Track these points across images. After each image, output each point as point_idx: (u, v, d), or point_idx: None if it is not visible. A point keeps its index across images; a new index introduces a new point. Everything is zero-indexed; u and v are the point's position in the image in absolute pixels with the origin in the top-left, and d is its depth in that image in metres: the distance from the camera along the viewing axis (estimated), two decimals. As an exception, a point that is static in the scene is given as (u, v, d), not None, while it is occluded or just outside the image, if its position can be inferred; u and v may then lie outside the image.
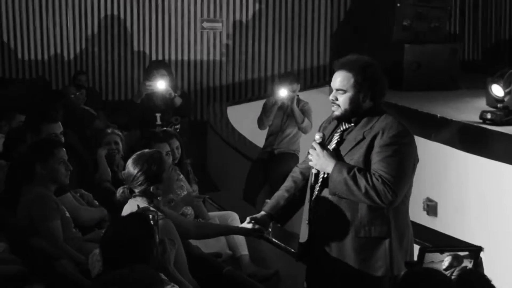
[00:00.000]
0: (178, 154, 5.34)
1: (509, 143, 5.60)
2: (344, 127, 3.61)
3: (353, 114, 3.55)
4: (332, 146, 3.58)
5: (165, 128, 5.69)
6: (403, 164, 3.46)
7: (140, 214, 3.01)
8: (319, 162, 3.52)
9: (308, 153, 3.80)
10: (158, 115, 6.53)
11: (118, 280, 1.87)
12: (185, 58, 9.61)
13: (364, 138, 3.49)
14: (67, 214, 4.10)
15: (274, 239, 5.04)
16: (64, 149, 4.21)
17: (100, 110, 7.90)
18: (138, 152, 3.56)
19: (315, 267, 3.72)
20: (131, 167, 3.49)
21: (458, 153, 6.16)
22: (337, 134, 3.62)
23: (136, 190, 3.48)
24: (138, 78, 9.63)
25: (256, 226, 3.74)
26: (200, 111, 9.56)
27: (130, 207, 3.40)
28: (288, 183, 3.86)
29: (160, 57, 9.61)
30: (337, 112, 3.56)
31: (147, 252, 2.84)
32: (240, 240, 4.94)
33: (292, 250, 4.83)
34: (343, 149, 3.54)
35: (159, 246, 2.94)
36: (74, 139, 5.93)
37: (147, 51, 9.62)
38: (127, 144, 5.78)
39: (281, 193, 3.84)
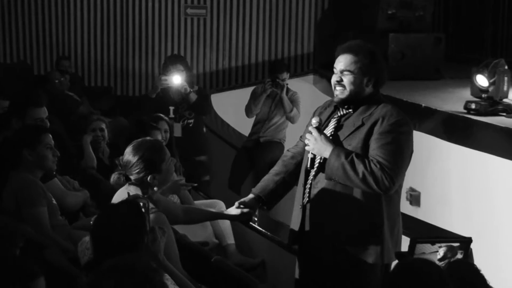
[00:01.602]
0: (167, 137, 5.33)
1: (493, 133, 5.62)
2: (341, 113, 3.61)
3: (354, 98, 3.55)
4: (329, 131, 3.58)
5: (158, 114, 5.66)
6: (401, 152, 3.46)
7: (131, 201, 2.99)
8: (316, 146, 3.51)
9: (300, 137, 3.80)
10: (171, 108, 6.47)
11: (115, 269, 1.85)
12: (169, 44, 9.55)
13: (363, 124, 3.50)
14: (54, 201, 4.06)
15: (260, 228, 5.05)
16: (50, 135, 4.17)
17: (84, 96, 7.83)
18: (139, 140, 3.51)
19: (307, 253, 3.72)
20: (131, 154, 3.43)
21: (442, 143, 6.18)
22: (334, 119, 3.61)
23: (133, 178, 3.44)
24: (121, 64, 9.57)
25: (245, 210, 3.72)
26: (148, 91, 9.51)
27: (121, 195, 3.37)
28: (278, 166, 3.85)
29: (143, 43, 9.54)
30: (342, 95, 3.55)
31: (138, 240, 2.83)
32: (227, 229, 4.94)
33: (279, 239, 4.84)
34: (341, 135, 3.54)
35: (150, 235, 2.93)
36: (58, 125, 5.87)
37: (130, 37, 9.55)
38: (111, 131, 5.74)
39: (270, 176, 3.83)
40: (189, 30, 9.52)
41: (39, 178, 4.06)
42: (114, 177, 3.49)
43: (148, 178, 3.40)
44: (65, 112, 6.79)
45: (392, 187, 3.43)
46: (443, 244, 2.89)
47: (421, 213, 6.52)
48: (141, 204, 2.98)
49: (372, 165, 3.40)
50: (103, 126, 5.51)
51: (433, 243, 2.91)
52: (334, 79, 3.57)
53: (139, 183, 3.43)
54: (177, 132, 6.35)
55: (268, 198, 3.79)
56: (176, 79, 6.36)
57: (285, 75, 6.99)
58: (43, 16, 9.48)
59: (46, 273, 3.18)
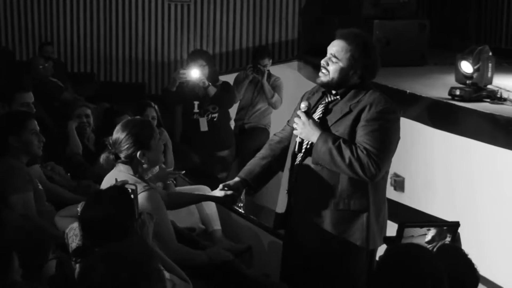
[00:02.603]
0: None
1: (477, 119, 5.66)
2: (329, 99, 3.61)
3: (337, 86, 3.55)
4: (317, 116, 3.58)
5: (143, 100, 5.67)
6: (388, 139, 3.48)
7: (120, 187, 2.99)
8: (304, 130, 3.52)
9: (288, 121, 3.80)
10: (196, 103, 6.49)
11: (108, 256, 1.84)
12: (152, 30, 9.50)
13: (350, 111, 3.51)
14: (40, 187, 4.05)
15: (246, 213, 5.05)
16: (35, 120, 4.16)
17: (67, 82, 7.78)
18: (127, 119, 3.52)
19: (292, 237, 3.74)
20: (119, 131, 3.44)
21: (426, 129, 6.21)
22: (322, 105, 3.62)
23: (122, 156, 3.43)
24: (105, 50, 9.51)
25: (229, 192, 3.71)
26: (167, 84, 9.48)
27: (111, 177, 3.36)
28: (264, 150, 3.86)
29: (126, 29, 9.48)
30: (324, 78, 3.56)
31: (126, 226, 2.83)
32: (213, 215, 4.94)
33: (265, 224, 4.84)
34: (329, 121, 3.55)
35: (138, 220, 2.92)
36: (42, 111, 5.84)
37: (114, 23, 9.49)
38: (96, 117, 5.72)
39: (257, 160, 3.84)
40: (172, 16, 9.47)
41: (24, 163, 4.05)
42: (103, 157, 3.49)
43: (138, 154, 3.40)
44: (49, 98, 6.75)
45: (378, 174, 3.45)
46: (431, 228, 2.91)
47: (405, 199, 6.57)
48: (129, 189, 2.98)
49: (359, 151, 3.41)
50: (89, 112, 5.48)
51: (421, 227, 2.92)
52: (322, 60, 3.58)
53: (129, 161, 3.42)
54: (203, 126, 6.39)
55: (254, 181, 3.80)
56: (194, 73, 6.35)
57: (267, 61, 7.00)
58: (25, 2, 9.38)
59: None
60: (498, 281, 5.33)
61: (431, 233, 2.85)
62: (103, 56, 9.53)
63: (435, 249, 2.79)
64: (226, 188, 3.75)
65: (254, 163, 3.84)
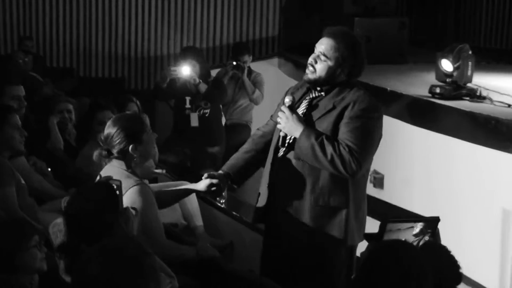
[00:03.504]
0: None
1: (457, 117, 5.70)
2: (313, 95, 3.63)
3: (323, 84, 3.57)
4: (300, 112, 3.60)
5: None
6: (370, 137, 3.50)
7: (104, 183, 2.98)
8: (288, 125, 3.53)
9: (271, 116, 3.81)
10: (188, 98, 6.49)
11: (102, 253, 1.84)
12: (132, 25, 9.45)
13: (334, 107, 3.53)
14: (22, 182, 4.02)
15: (227, 209, 5.06)
16: (17, 115, 4.13)
17: (47, 77, 7.73)
18: (118, 114, 3.51)
19: (272, 232, 3.75)
20: (110, 126, 3.44)
21: (405, 127, 6.25)
22: (306, 101, 3.63)
23: (114, 151, 3.43)
24: (84, 45, 9.45)
25: (215, 181, 3.70)
26: (147, 80, 9.45)
27: (106, 173, 3.35)
28: (248, 144, 3.86)
29: (106, 25, 9.43)
30: (310, 76, 3.57)
31: (111, 221, 2.82)
32: (195, 210, 4.93)
33: (246, 219, 4.85)
34: (312, 116, 3.56)
35: (123, 215, 2.92)
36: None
37: (93, 18, 9.41)
38: (77, 113, 5.69)
39: (240, 154, 3.84)
40: (153, 11, 9.43)
41: (6, 158, 4.01)
42: (96, 153, 3.48)
43: (130, 148, 3.40)
44: (29, 92, 6.70)
45: (359, 171, 3.48)
46: (413, 223, 2.94)
47: (384, 195, 6.61)
48: (114, 185, 2.97)
49: (341, 148, 3.43)
50: (70, 107, 5.46)
51: (402, 223, 2.95)
52: (310, 57, 3.59)
53: (122, 156, 3.42)
54: (194, 122, 6.40)
55: (237, 175, 3.79)
56: (185, 70, 6.36)
57: (247, 58, 7.02)
58: (4, -5, 9.30)
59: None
60: (477, 278, 5.38)
61: (419, 226, 2.87)
62: (82, 50, 9.47)
63: (417, 245, 2.82)
64: (210, 177, 3.72)
65: (237, 157, 3.84)
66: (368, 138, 3.49)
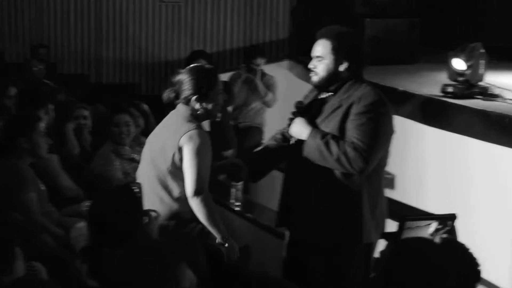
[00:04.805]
0: (142, 124, 5.38)
1: (470, 115, 5.70)
2: (323, 96, 3.67)
3: (330, 82, 3.61)
4: (310, 114, 3.64)
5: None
6: (376, 132, 3.51)
7: (126, 186, 3.01)
8: (295, 129, 3.59)
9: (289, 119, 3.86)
10: None
11: (136, 254, 1.86)
12: (143, 31, 9.50)
13: (340, 106, 3.56)
14: (43, 187, 4.07)
15: (243, 212, 5.09)
16: (43, 123, 4.20)
17: (60, 84, 7.78)
18: (196, 64, 3.76)
19: (291, 234, 3.79)
20: (184, 73, 3.63)
21: (417, 126, 6.25)
22: (316, 102, 3.68)
23: (182, 96, 3.60)
24: (95, 52, 9.50)
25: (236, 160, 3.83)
26: (158, 86, 9.49)
27: (171, 117, 3.64)
28: (269, 142, 3.93)
29: (117, 30, 9.48)
30: (315, 78, 3.63)
31: (133, 225, 2.85)
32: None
33: (262, 222, 4.88)
34: (321, 117, 3.61)
35: (145, 218, 2.95)
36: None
37: (104, 24, 9.48)
38: (91, 118, 5.74)
39: (260, 150, 3.91)
40: (163, 17, 9.48)
41: (28, 164, 4.06)
42: (166, 92, 3.63)
43: (193, 99, 3.52)
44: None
45: (366, 168, 3.49)
46: (431, 221, 2.96)
47: (396, 196, 6.61)
48: (135, 188, 3.01)
49: (346, 145, 3.46)
50: (86, 114, 5.50)
51: (420, 221, 2.97)
52: (310, 64, 3.66)
53: (185, 102, 3.61)
54: (205, 127, 6.37)
55: (256, 168, 3.84)
56: None
57: (259, 60, 7.04)
58: (15, 4, 9.35)
59: (38, 259, 3.21)
60: (491, 278, 5.37)
61: (431, 226, 2.89)
62: (94, 57, 9.53)
63: (436, 242, 2.83)
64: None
65: (257, 152, 3.92)
66: (373, 134, 3.49)
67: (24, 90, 5.14)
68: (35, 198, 3.95)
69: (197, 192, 3.52)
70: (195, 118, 3.63)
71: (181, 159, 3.55)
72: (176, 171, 3.58)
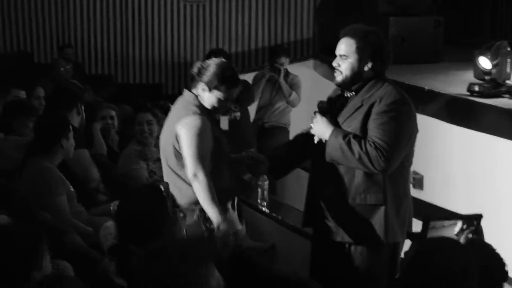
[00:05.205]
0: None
1: (496, 115, 5.66)
2: (346, 95, 3.68)
3: (353, 82, 3.61)
4: (333, 113, 3.65)
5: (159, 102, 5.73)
6: (398, 131, 3.50)
7: (153, 185, 3.05)
8: (318, 129, 3.60)
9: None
10: None
11: (162, 255, 1.88)
12: (168, 31, 9.56)
13: (362, 105, 3.56)
14: (71, 189, 4.10)
15: (269, 211, 5.10)
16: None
17: (87, 84, 7.86)
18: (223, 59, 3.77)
19: (317, 235, 3.80)
20: (211, 60, 3.70)
21: (444, 126, 6.21)
22: (339, 102, 3.69)
23: (201, 80, 3.67)
24: (121, 52, 9.58)
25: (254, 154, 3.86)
26: (184, 86, 9.53)
27: (179, 103, 3.70)
28: (291, 140, 3.95)
29: (143, 31, 9.55)
30: (338, 78, 3.63)
31: (161, 224, 2.88)
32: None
33: (289, 222, 4.89)
34: (343, 117, 3.61)
35: (172, 217, 2.98)
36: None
37: (130, 24, 9.56)
38: (118, 118, 5.78)
39: (281, 146, 3.92)
40: (188, 17, 9.53)
41: (56, 165, 4.10)
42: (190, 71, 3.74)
43: (206, 82, 3.65)
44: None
45: (388, 167, 3.48)
46: (457, 221, 2.95)
47: (424, 196, 6.57)
48: (162, 187, 3.04)
49: (368, 145, 3.46)
50: (113, 114, 5.54)
51: (446, 220, 2.96)
52: (334, 62, 3.66)
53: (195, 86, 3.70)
54: (223, 125, 6.41)
55: (277, 165, 3.86)
56: None
57: (283, 60, 7.04)
58: (43, 4, 9.46)
59: (67, 258, 3.25)
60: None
61: (456, 226, 2.88)
62: (120, 57, 9.61)
63: (462, 242, 2.82)
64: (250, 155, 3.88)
65: (279, 149, 3.94)
66: (395, 133, 3.48)
67: (56, 91, 5.16)
68: (65, 200, 3.98)
69: (194, 176, 3.53)
70: (197, 106, 3.64)
71: (180, 146, 3.60)
72: (181, 158, 3.61)
